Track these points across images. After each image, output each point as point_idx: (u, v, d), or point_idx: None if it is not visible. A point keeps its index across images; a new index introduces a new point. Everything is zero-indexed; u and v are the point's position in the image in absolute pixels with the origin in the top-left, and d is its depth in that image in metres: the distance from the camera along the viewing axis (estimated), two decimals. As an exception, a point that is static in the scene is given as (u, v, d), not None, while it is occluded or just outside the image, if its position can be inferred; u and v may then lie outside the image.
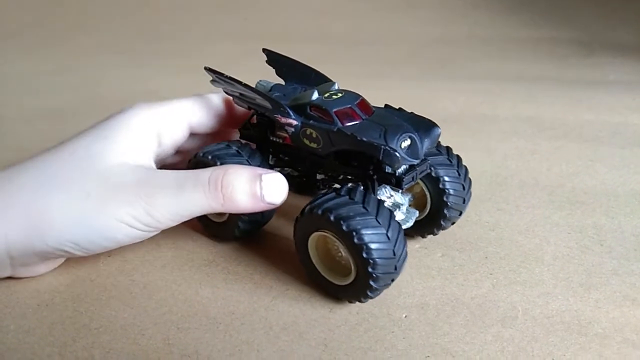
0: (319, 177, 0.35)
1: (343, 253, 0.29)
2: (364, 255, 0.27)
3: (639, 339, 0.29)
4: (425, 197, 0.35)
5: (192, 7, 0.99)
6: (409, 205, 0.34)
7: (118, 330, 0.30)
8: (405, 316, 0.30)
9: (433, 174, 0.34)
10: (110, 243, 0.30)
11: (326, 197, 0.29)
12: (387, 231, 0.28)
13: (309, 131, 0.32)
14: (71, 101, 0.64)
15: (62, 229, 0.29)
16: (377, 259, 0.27)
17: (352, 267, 0.29)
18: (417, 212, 0.34)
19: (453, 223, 0.36)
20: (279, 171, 0.32)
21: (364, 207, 0.28)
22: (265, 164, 0.35)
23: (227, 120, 0.38)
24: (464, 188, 0.35)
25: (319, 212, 0.28)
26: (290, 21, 0.91)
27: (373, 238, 0.27)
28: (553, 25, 0.88)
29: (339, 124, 0.31)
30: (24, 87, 0.72)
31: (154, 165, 0.33)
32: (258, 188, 0.30)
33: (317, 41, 0.79)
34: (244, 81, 0.33)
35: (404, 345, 0.28)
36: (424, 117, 0.31)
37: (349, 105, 0.31)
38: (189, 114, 0.35)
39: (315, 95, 0.32)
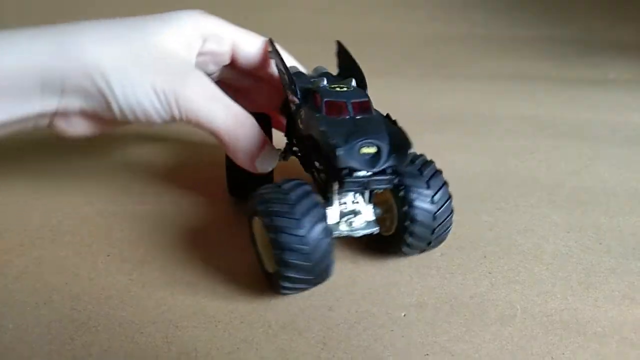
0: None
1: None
2: (274, 242, 0.28)
3: (638, 338, 0.29)
4: (394, 215, 0.33)
5: (193, 6, 0.99)
6: (377, 219, 0.32)
7: (116, 328, 0.30)
8: (404, 315, 0.30)
9: (402, 194, 0.32)
10: (136, 107, 0.32)
11: (268, 185, 0.30)
12: (301, 222, 0.28)
13: (301, 112, 0.33)
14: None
15: (108, 73, 0.31)
16: (285, 248, 0.27)
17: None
18: (378, 228, 0.32)
19: (423, 251, 0.33)
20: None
21: (285, 196, 0.28)
22: None
23: (266, 80, 0.39)
24: (434, 218, 0.31)
25: (253, 196, 0.30)
26: (290, 20, 0.90)
27: (283, 223, 0.28)
28: (552, 24, 0.88)
29: (322, 113, 0.31)
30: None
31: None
32: (258, 155, 0.34)
33: (316, 40, 0.79)
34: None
35: (403, 343, 0.28)
36: (406, 136, 0.30)
37: (343, 100, 0.31)
38: (237, 40, 0.37)
39: (323, 83, 0.33)
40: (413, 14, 0.94)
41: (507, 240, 0.37)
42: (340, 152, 0.28)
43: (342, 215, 0.31)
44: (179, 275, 0.34)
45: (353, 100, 0.32)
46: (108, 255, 0.35)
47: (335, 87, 0.33)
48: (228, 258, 0.35)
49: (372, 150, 0.29)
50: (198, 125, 0.33)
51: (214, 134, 0.33)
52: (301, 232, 0.27)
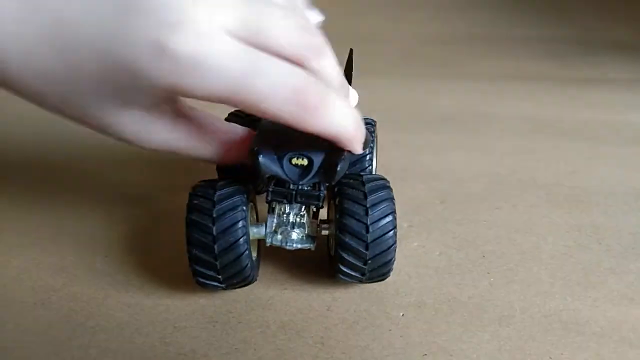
0: None
1: None
2: (186, 236, 0.28)
3: (637, 338, 0.29)
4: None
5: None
6: (315, 236, 0.31)
7: (114, 329, 0.30)
8: (403, 315, 0.30)
9: (337, 203, 0.29)
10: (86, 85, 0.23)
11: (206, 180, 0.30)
12: (216, 220, 0.27)
13: None
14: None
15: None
16: (193, 248, 0.28)
17: None
18: (312, 245, 0.30)
19: (363, 275, 0.30)
20: None
21: (208, 199, 0.28)
22: None
23: None
24: (366, 248, 0.28)
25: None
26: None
27: (194, 224, 0.28)
28: (552, 24, 0.88)
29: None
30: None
31: None
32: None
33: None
34: None
35: (402, 343, 0.28)
36: (339, 159, 0.27)
37: None
38: None
39: None
40: (413, 14, 0.94)
41: (506, 240, 0.37)
42: (261, 158, 0.27)
43: (281, 225, 0.30)
44: (177, 276, 0.33)
45: None
46: (106, 256, 0.35)
47: None
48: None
49: (302, 162, 0.28)
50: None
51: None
52: (213, 230, 0.27)
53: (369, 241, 0.28)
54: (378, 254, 0.28)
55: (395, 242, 0.29)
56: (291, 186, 0.28)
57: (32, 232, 0.38)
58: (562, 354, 0.28)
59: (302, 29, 0.25)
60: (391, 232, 0.28)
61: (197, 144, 0.28)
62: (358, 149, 0.28)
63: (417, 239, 0.37)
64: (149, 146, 0.27)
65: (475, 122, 0.56)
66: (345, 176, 0.30)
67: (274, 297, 0.32)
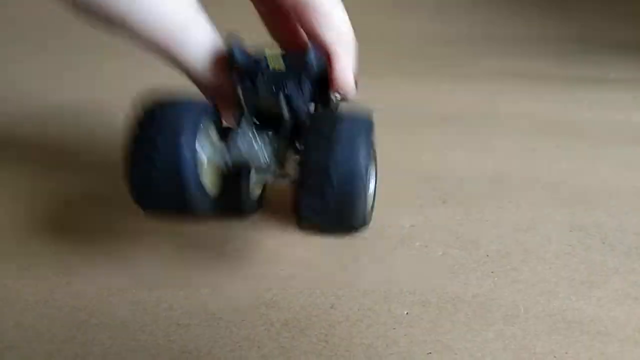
0: None
1: None
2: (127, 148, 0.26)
3: (641, 337, 0.29)
4: None
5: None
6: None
7: (117, 326, 0.29)
8: (407, 313, 0.30)
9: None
10: None
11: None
12: (163, 131, 0.25)
13: None
14: (71, 100, 0.64)
15: None
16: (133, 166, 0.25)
17: None
18: (274, 172, 0.27)
19: (326, 232, 0.27)
20: None
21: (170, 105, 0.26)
22: None
23: None
24: (329, 186, 0.24)
25: None
26: (290, 19, 0.90)
27: (144, 129, 0.25)
28: (553, 23, 0.88)
29: None
30: (24, 85, 0.71)
31: None
32: None
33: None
34: None
35: (406, 342, 0.28)
36: None
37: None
38: None
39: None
40: (413, 13, 0.93)
41: (509, 239, 0.37)
42: (234, 48, 0.27)
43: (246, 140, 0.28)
44: (180, 273, 0.33)
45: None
46: (108, 254, 0.35)
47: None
48: (229, 256, 0.35)
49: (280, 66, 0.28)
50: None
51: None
52: (157, 140, 0.24)
53: (333, 181, 0.24)
54: (342, 195, 0.24)
55: (364, 185, 0.25)
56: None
57: (33, 230, 0.37)
58: (566, 352, 0.28)
59: None
60: (361, 172, 0.24)
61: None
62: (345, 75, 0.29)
63: (420, 239, 0.37)
64: None
65: (477, 121, 0.56)
66: (320, 112, 0.29)
67: (277, 295, 0.32)
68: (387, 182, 0.44)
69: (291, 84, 0.27)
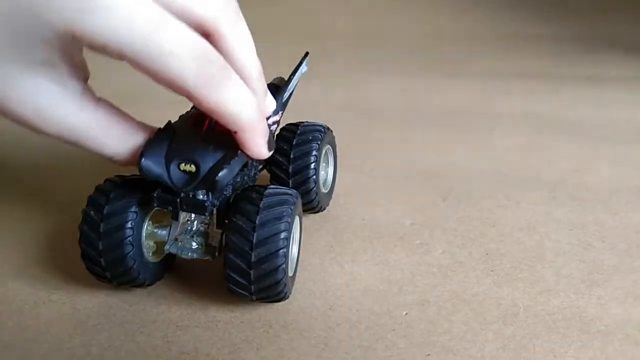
0: None
1: None
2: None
3: (642, 337, 0.29)
4: None
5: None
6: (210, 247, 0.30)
7: (116, 327, 0.29)
8: (406, 314, 0.30)
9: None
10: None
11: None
12: (100, 222, 0.28)
13: None
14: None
15: None
16: (82, 242, 0.29)
17: None
18: (209, 257, 0.30)
19: (252, 293, 0.28)
20: None
21: (103, 196, 0.29)
22: None
23: None
24: (250, 267, 0.27)
25: None
26: (290, 17, 0.90)
27: (86, 218, 0.29)
28: (554, 22, 0.88)
29: (187, 125, 0.29)
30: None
31: None
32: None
33: (317, 37, 0.79)
34: None
35: (405, 343, 0.28)
36: (221, 169, 0.26)
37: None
38: None
39: None
40: (413, 11, 0.93)
41: (509, 238, 0.37)
42: (144, 161, 0.26)
43: (182, 232, 0.30)
44: (179, 274, 0.33)
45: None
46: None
47: None
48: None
49: (190, 168, 0.26)
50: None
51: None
52: (100, 227, 0.28)
53: (252, 260, 0.27)
54: (263, 276, 0.27)
55: (283, 263, 0.27)
56: (182, 194, 0.27)
57: (32, 230, 0.37)
58: (566, 352, 0.28)
59: None
60: (280, 252, 0.27)
61: (102, 136, 0.26)
62: (255, 147, 0.26)
63: (420, 237, 0.37)
64: (50, 129, 0.24)
65: (477, 120, 0.56)
66: (249, 187, 0.29)
67: (276, 296, 0.31)
68: (387, 180, 0.44)
69: (199, 191, 0.27)
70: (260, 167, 0.35)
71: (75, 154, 0.40)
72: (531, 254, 0.35)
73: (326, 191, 0.39)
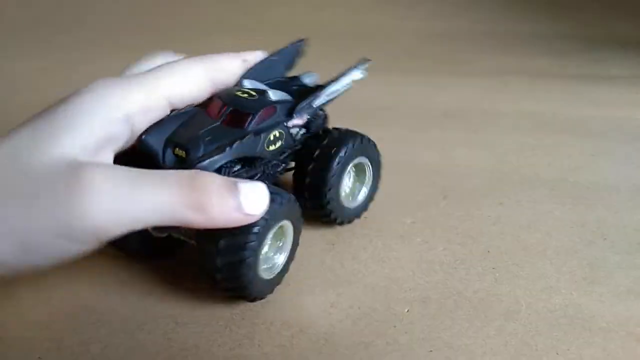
0: None
1: None
2: None
3: (644, 333, 0.29)
4: None
5: (192, 1, 0.99)
6: None
7: (116, 324, 0.29)
8: (407, 310, 0.30)
9: None
10: (41, 261, 0.24)
11: None
12: None
13: None
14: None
15: None
16: None
17: None
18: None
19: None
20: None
21: None
22: None
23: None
24: (217, 254, 0.27)
25: None
26: (290, 15, 0.90)
27: None
28: (554, 20, 0.88)
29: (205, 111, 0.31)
30: (18, 84, 0.71)
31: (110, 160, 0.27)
32: (235, 196, 0.26)
33: (317, 35, 0.79)
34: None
35: (406, 339, 0.28)
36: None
37: (223, 104, 0.31)
38: (169, 89, 0.29)
39: (241, 84, 0.33)
40: (414, 11, 0.93)
41: (510, 236, 0.36)
42: (145, 136, 0.28)
43: None
44: (179, 271, 0.33)
45: (233, 108, 0.30)
46: (108, 252, 0.35)
47: (238, 92, 0.31)
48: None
49: (181, 154, 0.28)
50: (134, 228, 0.25)
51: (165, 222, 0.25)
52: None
53: (219, 247, 0.27)
54: (228, 265, 0.27)
55: (250, 257, 0.27)
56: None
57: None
58: (568, 349, 0.28)
59: None
60: (249, 245, 0.27)
61: None
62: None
63: (421, 235, 0.37)
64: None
65: (477, 118, 0.56)
66: None
67: (277, 293, 0.31)
68: (388, 178, 0.44)
69: None
70: (283, 166, 0.34)
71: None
72: (532, 251, 0.35)
73: (353, 206, 0.37)
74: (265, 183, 0.27)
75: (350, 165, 0.35)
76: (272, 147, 0.31)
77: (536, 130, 0.53)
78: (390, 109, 0.57)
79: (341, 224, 0.37)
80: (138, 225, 0.25)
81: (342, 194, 0.36)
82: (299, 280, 0.32)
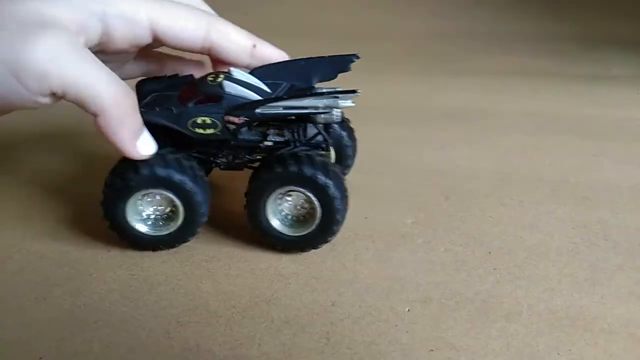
0: None
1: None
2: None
3: (645, 335, 0.29)
4: None
5: None
6: None
7: (117, 324, 0.29)
8: (409, 310, 0.30)
9: None
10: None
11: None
12: None
13: None
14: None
15: None
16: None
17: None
18: None
19: None
20: None
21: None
22: None
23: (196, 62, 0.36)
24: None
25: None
26: (290, 16, 0.90)
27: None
28: (555, 20, 0.88)
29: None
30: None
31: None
32: (140, 134, 0.31)
33: (317, 36, 0.79)
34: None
35: (408, 339, 0.28)
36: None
37: (192, 89, 0.34)
38: (156, 13, 0.31)
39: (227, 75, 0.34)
40: (415, 10, 0.93)
41: (512, 237, 0.36)
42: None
43: None
44: (180, 271, 0.33)
45: (189, 86, 0.33)
46: (109, 251, 0.35)
47: (211, 76, 0.33)
48: (230, 253, 0.35)
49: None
50: (77, 96, 0.28)
51: (94, 104, 0.28)
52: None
53: None
54: None
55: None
56: None
57: (33, 227, 0.37)
58: (570, 350, 0.28)
59: None
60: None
61: None
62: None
63: (422, 236, 0.37)
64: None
65: (478, 119, 0.55)
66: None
67: (278, 292, 0.31)
68: (389, 179, 0.44)
69: None
70: (232, 160, 0.35)
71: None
72: (534, 252, 0.35)
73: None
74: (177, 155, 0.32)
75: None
76: (199, 130, 0.32)
77: (537, 130, 0.53)
78: (391, 109, 0.57)
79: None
80: (71, 89, 0.28)
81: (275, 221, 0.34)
82: (300, 279, 0.32)
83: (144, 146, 0.31)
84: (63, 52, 0.27)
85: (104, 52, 0.32)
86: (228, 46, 0.33)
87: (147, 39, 0.32)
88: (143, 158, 0.31)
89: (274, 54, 0.35)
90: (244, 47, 0.34)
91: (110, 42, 0.31)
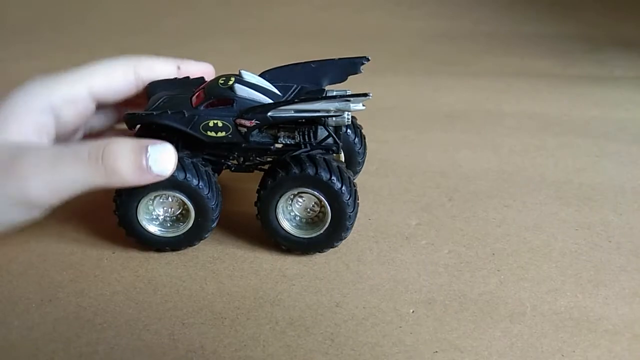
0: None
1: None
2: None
3: (649, 336, 0.29)
4: None
5: (193, 3, 0.99)
6: None
7: (122, 325, 0.29)
8: (413, 311, 0.30)
9: None
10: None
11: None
12: None
13: None
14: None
15: None
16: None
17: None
18: None
19: None
20: None
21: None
22: None
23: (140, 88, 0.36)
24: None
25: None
26: (293, 16, 0.90)
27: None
28: (557, 21, 0.88)
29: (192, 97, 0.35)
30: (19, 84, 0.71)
31: (47, 144, 0.32)
32: (144, 158, 0.29)
33: (320, 36, 0.79)
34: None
35: (412, 340, 0.28)
36: None
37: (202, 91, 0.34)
38: (90, 82, 0.33)
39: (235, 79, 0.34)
40: (417, 11, 0.93)
41: (515, 238, 0.36)
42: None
43: None
44: (184, 272, 0.33)
45: (200, 90, 0.34)
46: (113, 252, 0.35)
47: (222, 79, 0.33)
48: (234, 255, 0.35)
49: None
50: (70, 196, 0.30)
51: (88, 188, 0.30)
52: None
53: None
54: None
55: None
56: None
57: (38, 229, 0.37)
58: (574, 351, 0.28)
59: None
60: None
61: None
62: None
63: (426, 237, 0.37)
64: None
65: (481, 120, 0.55)
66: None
67: (282, 293, 0.31)
68: (393, 180, 0.44)
69: None
70: (243, 163, 0.36)
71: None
72: (537, 253, 0.35)
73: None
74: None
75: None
76: (210, 133, 0.33)
77: (540, 131, 0.53)
78: (394, 109, 0.57)
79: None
80: (67, 194, 0.29)
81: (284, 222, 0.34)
82: (304, 280, 0.32)
83: (160, 165, 0.30)
84: (40, 174, 0.29)
85: (61, 138, 0.34)
86: (157, 76, 0.36)
87: (92, 108, 0.34)
88: (164, 176, 0.30)
89: (199, 68, 0.38)
90: (170, 72, 0.37)
91: (62, 128, 0.33)
